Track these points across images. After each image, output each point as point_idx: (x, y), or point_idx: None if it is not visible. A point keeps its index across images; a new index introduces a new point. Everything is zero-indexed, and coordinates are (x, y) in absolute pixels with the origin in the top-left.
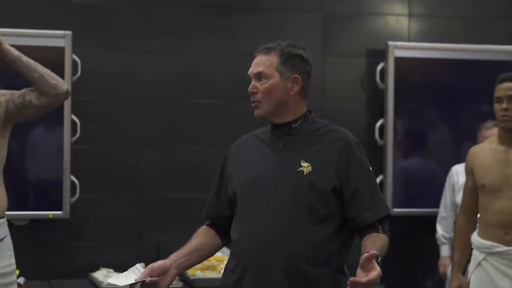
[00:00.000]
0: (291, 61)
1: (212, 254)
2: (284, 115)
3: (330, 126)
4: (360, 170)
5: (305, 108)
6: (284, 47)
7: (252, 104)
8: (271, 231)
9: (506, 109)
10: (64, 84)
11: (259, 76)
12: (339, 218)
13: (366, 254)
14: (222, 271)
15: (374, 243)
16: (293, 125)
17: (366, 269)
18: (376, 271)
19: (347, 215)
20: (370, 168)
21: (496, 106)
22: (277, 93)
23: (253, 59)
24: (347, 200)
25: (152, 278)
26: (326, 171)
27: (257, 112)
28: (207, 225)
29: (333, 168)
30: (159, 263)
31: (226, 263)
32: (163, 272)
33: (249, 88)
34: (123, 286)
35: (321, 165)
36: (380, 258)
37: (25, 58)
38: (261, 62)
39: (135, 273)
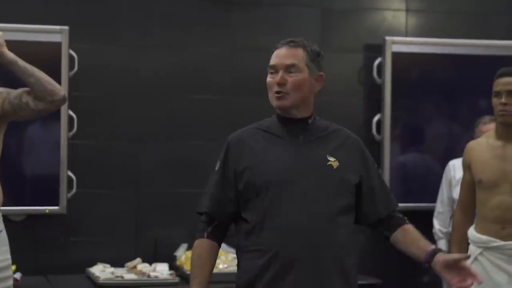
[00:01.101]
0: (317, 59)
1: None
2: (303, 111)
3: (333, 124)
4: (373, 167)
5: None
6: (308, 45)
7: (277, 95)
8: (316, 224)
9: (504, 104)
10: (61, 90)
11: (290, 68)
12: (354, 211)
13: (460, 257)
14: (220, 266)
15: (418, 236)
16: (309, 121)
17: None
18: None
19: (363, 210)
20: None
21: (495, 101)
22: (305, 88)
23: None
24: (364, 195)
25: None
26: (350, 167)
27: (282, 103)
28: (207, 237)
29: (355, 164)
30: None
31: (245, 261)
32: None
33: (277, 79)
34: None
35: (346, 160)
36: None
37: (21, 63)
38: (292, 55)
39: None
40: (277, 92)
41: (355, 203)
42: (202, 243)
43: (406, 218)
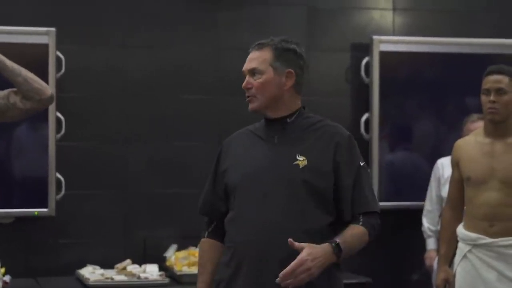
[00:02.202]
0: (285, 56)
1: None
2: (278, 110)
3: (325, 121)
4: (351, 165)
5: (299, 103)
6: (278, 42)
7: (247, 99)
8: (268, 225)
9: (493, 102)
10: (48, 89)
11: (253, 72)
12: (334, 213)
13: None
14: None
15: (343, 232)
16: (288, 120)
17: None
18: (296, 261)
19: (338, 207)
20: (362, 163)
21: (484, 98)
22: (271, 88)
23: (242, 53)
24: (338, 192)
25: None
26: (321, 165)
27: (250, 106)
28: (207, 236)
29: (328, 162)
30: None
31: (222, 258)
32: None
33: (243, 84)
34: None
35: (317, 159)
36: (340, 245)
37: (9, 62)
38: (255, 58)
39: None
40: (247, 96)
41: (331, 203)
42: (203, 243)
43: (361, 223)
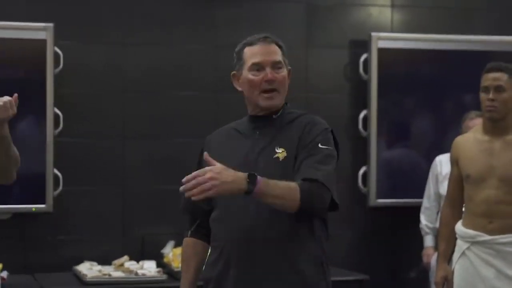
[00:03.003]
0: (284, 53)
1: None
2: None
3: (306, 115)
4: (307, 140)
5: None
6: (276, 39)
7: (266, 94)
8: (253, 221)
9: (492, 100)
10: (13, 179)
11: (277, 64)
12: None
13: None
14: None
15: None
16: (274, 116)
17: None
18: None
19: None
20: (320, 145)
21: (482, 96)
22: (287, 84)
23: (255, 47)
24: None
25: None
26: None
27: (272, 102)
28: (190, 235)
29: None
30: None
31: (208, 257)
32: None
33: (269, 76)
34: None
35: (294, 149)
36: (257, 179)
37: (10, 140)
38: (275, 51)
39: None
40: (268, 91)
41: None
42: (186, 242)
43: (300, 184)
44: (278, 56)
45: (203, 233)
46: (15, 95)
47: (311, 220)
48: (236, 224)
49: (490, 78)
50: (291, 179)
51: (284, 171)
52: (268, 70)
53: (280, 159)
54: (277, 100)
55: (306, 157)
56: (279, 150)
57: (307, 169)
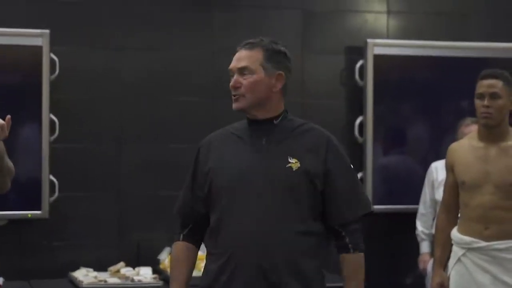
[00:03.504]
0: (276, 57)
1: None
2: (266, 111)
3: (309, 124)
4: (340, 166)
5: (283, 106)
6: (268, 44)
7: (233, 98)
8: (266, 228)
9: (487, 106)
10: (7, 189)
11: (243, 70)
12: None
13: None
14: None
15: (350, 279)
16: (275, 122)
17: None
18: None
19: (326, 209)
20: (351, 165)
21: (477, 103)
22: (261, 89)
23: (234, 54)
24: (327, 194)
25: None
26: (313, 167)
27: (236, 105)
28: (182, 239)
29: (319, 164)
30: None
31: (207, 264)
32: None
33: (231, 83)
34: None
35: (309, 161)
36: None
37: (6, 158)
38: (246, 57)
39: None
40: (234, 95)
41: (318, 204)
42: (178, 246)
43: (350, 245)
44: (245, 62)
45: (196, 239)
46: (8, 117)
47: (318, 224)
48: (245, 231)
49: (485, 85)
50: (302, 189)
51: (296, 181)
52: (235, 76)
53: (294, 169)
54: (241, 103)
55: (348, 185)
56: (292, 160)
57: (356, 202)
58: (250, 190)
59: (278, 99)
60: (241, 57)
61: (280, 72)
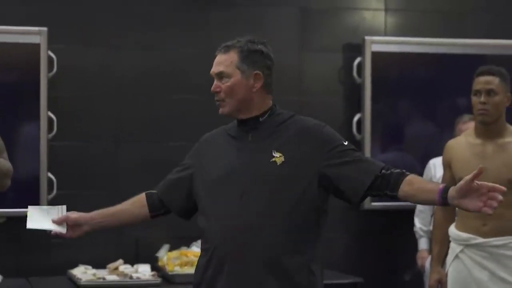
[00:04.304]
0: (251, 57)
1: (133, 223)
2: (249, 111)
3: (296, 116)
4: (340, 149)
5: (271, 102)
6: (243, 44)
7: (217, 103)
8: (248, 224)
9: (484, 103)
10: (6, 188)
11: (220, 75)
12: (315, 207)
13: (471, 178)
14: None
15: (427, 183)
16: (260, 119)
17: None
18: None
19: (344, 192)
20: (345, 143)
21: (474, 99)
22: (240, 91)
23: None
24: (335, 180)
25: (59, 230)
26: (298, 161)
27: (221, 110)
28: (146, 193)
29: (308, 154)
30: (76, 216)
31: (198, 260)
32: (76, 225)
33: (212, 88)
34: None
35: (294, 153)
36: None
37: (2, 160)
38: (221, 62)
39: (55, 213)
40: (216, 100)
41: (311, 198)
42: (139, 196)
43: (403, 171)
44: (220, 67)
45: (158, 202)
46: None
47: (305, 218)
48: (229, 227)
49: (481, 81)
50: (286, 183)
51: (280, 175)
52: (215, 81)
53: (278, 164)
54: (226, 108)
55: (355, 159)
56: (276, 155)
57: (374, 163)
58: (235, 187)
59: (261, 97)
60: (218, 62)
61: (257, 71)
